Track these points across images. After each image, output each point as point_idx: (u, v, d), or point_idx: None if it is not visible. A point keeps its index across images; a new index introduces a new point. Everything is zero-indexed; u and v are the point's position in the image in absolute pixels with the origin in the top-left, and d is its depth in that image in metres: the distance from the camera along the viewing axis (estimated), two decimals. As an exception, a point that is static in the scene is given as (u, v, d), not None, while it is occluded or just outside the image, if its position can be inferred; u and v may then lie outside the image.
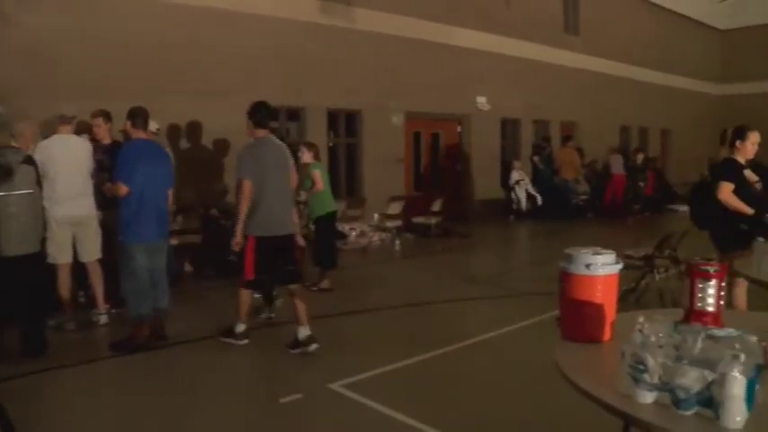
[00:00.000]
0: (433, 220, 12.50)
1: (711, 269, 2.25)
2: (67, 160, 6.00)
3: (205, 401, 4.52)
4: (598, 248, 2.38)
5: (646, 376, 1.74)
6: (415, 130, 14.15)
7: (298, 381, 4.91)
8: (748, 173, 5.40)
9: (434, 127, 14.69)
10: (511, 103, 15.77)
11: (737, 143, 5.44)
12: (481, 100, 15.07)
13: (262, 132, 5.51)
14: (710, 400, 1.63)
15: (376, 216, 11.88)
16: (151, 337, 5.64)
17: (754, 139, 5.43)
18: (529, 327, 6.17)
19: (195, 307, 7.15)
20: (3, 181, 5.13)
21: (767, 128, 5.60)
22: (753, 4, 22.76)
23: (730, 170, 5.38)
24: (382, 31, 12.62)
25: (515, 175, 15.49)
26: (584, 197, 16.42)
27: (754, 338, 1.74)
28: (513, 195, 15.49)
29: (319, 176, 7.57)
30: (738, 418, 1.60)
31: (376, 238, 11.64)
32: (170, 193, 5.84)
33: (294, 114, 11.78)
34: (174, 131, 9.51)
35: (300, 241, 7.28)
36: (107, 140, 6.60)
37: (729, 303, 4.82)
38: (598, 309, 2.29)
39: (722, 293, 2.28)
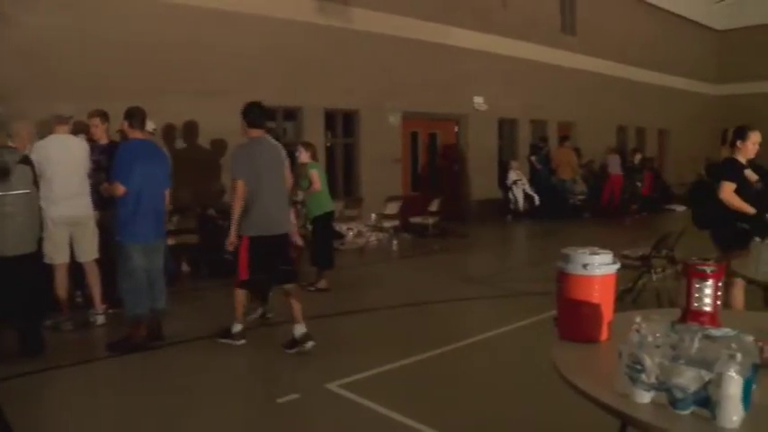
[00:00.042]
0: (431, 220, 12.49)
1: (708, 269, 2.25)
2: (64, 160, 5.99)
3: (202, 401, 4.52)
4: (595, 248, 2.38)
5: (643, 376, 1.75)
6: (412, 130, 14.15)
7: (295, 381, 4.91)
8: (749, 172, 5.42)
9: (432, 127, 14.70)
10: (508, 103, 15.78)
11: (738, 143, 5.47)
12: (478, 100, 15.08)
13: (256, 132, 5.51)
14: (707, 400, 1.63)
15: (373, 216, 11.88)
16: (148, 338, 5.63)
17: (754, 138, 5.46)
18: (526, 327, 6.17)
19: (192, 307, 7.15)
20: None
21: (765, 128, 5.61)
22: (750, 5, 22.83)
23: (732, 170, 5.40)
24: (379, 31, 12.62)
25: (513, 175, 15.49)
26: (581, 197, 16.43)
27: (750, 338, 1.74)
28: (510, 195, 15.49)
29: (317, 176, 7.57)
30: (735, 418, 1.60)
31: (373, 238, 11.64)
32: (167, 193, 5.84)
33: (291, 114, 11.78)
34: (172, 131, 9.50)
35: (298, 240, 7.29)
36: (104, 140, 6.59)
37: (726, 303, 4.84)
38: (595, 309, 2.30)
39: (719, 293, 2.29)
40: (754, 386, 1.64)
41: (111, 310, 6.32)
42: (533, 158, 16.24)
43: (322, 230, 7.88)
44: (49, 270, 5.94)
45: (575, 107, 17.85)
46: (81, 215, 6.14)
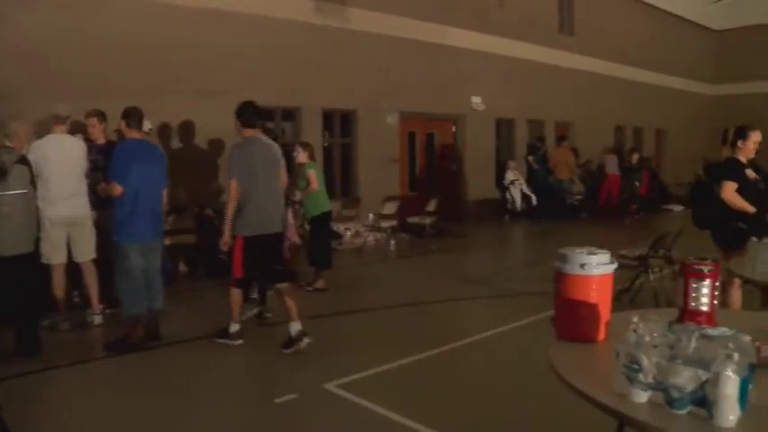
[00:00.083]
0: (428, 220, 12.49)
1: (705, 269, 2.26)
2: (62, 160, 5.98)
3: (200, 401, 4.52)
4: (593, 248, 2.39)
5: (640, 376, 1.75)
6: (409, 130, 14.14)
7: (292, 381, 4.91)
8: (749, 172, 5.45)
9: (429, 127, 14.69)
10: (506, 103, 15.79)
11: (739, 143, 5.49)
12: (476, 100, 15.08)
13: (250, 132, 5.52)
14: (704, 400, 1.64)
15: (371, 216, 11.87)
16: (145, 338, 5.62)
17: (755, 138, 5.48)
18: (524, 327, 6.17)
19: (190, 307, 7.14)
20: (-3, 181, 5.12)
21: (762, 128, 5.64)
22: (747, 5, 22.86)
23: (733, 169, 5.42)
24: (377, 31, 12.62)
25: (510, 175, 15.49)
26: (578, 197, 16.42)
27: (747, 338, 1.74)
28: (507, 195, 15.49)
29: (314, 176, 7.57)
30: (732, 417, 1.61)
31: (371, 238, 11.63)
32: (164, 193, 5.83)
33: (289, 114, 11.78)
34: (170, 131, 9.49)
35: (296, 239, 7.29)
36: (101, 140, 6.59)
37: (724, 303, 4.85)
38: (593, 309, 2.30)
39: (716, 293, 2.29)
40: (750, 386, 1.64)
41: (108, 310, 6.31)
42: (531, 158, 16.25)
43: (319, 230, 7.88)
44: (46, 270, 5.93)
45: (572, 107, 17.85)
46: (78, 215, 6.13)
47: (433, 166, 14.88)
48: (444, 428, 3.97)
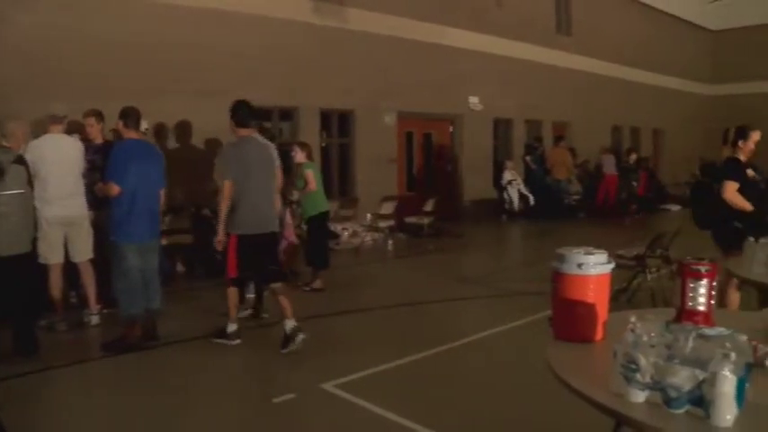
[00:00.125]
0: (426, 220, 12.50)
1: (702, 269, 2.26)
2: (59, 160, 5.97)
3: (197, 401, 4.51)
4: (590, 248, 2.39)
5: (637, 375, 1.75)
6: (407, 130, 14.14)
7: (290, 380, 4.90)
8: (750, 171, 5.46)
9: (427, 127, 14.69)
10: (503, 103, 15.80)
11: (740, 143, 5.50)
12: (473, 100, 15.09)
13: (244, 131, 5.52)
14: (701, 399, 1.64)
15: (368, 216, 11.87)
16: (143, 338, 5.61)
17: (756, 138, 5.49)
18: (521, 326, 6.17)
19: (187, 307, 7.13)
20: (-6, 181, 5.11)
21: (760, 127, 5.66)
22: (743, 5, 22.89)
23: (734, 169, 5.43)
24: (375, 31, 12.61)
25: (507, 175, 15.49)
26: (576, 197, 16.43)
27: (744, 337, 1.75)
28: (505, 195, 15.49)
29: (312, 176, 7.57)
30: (729, 417, 1.61)
31: (368, 238, 11.63)
32: (162, 193, 5.83)
33: (287, 114, 11.77)
34: (169, 132, 9.47)
35: (294, 239, 7.28)
36: (99, 140, 6.57)
37: (721, 303, 4.86)
38: (590, 308, 2.30)
39: (713, 293, 2.30)
40: (747, 385, 1.65)
41: (105, 311, 6.30)
42: (528, 158, 16.25)
43: (317, 230, 7.88)
44: (43, 270, 5.91)
45: (570, 107, 17.87)
46: (75, 215, 6.12)
47: (431, 166, 14.89)
48: (442, 428, 3.97)
